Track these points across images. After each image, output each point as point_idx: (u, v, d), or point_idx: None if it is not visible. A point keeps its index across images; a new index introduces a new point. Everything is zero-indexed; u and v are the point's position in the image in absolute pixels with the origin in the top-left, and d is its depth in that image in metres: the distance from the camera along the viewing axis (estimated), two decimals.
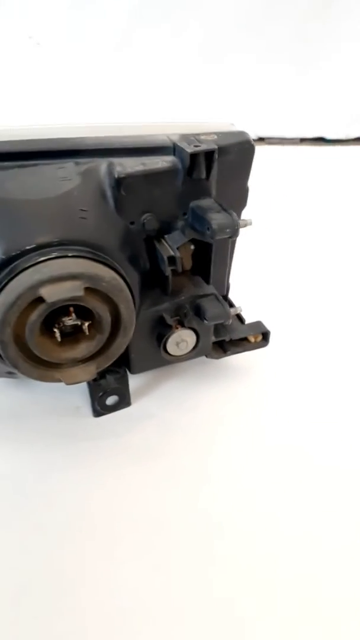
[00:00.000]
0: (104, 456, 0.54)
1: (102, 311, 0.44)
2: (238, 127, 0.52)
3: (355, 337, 0.71)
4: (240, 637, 0.41)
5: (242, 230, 0.49)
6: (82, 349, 0.46)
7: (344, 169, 1.30)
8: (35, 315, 0.41)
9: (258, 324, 0.61)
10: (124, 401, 0.58)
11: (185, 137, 0.48)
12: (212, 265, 0.53)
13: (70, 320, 0.43)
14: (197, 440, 0.57)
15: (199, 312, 0.53)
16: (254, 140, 0.51)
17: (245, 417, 0.59)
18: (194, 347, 0.56)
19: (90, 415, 0.58)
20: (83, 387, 0.58)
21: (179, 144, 0.47)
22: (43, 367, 0.46)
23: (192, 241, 0.51)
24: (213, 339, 0.58)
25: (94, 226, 0.45)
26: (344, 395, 0.62)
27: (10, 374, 0.51)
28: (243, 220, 0.49)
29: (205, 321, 0.52)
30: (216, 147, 0.47)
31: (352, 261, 0.88)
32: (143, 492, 0.51)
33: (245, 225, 0.49)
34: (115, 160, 0.47)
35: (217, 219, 0.46)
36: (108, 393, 0.56)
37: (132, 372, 0.57)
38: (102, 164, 0.47)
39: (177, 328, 0.53)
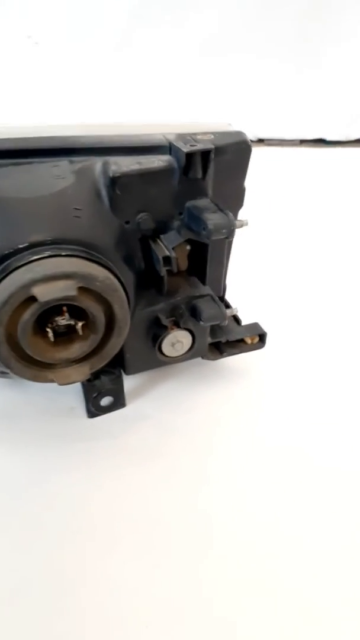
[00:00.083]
0: (100, 457, 0.54)
1: (96, 311, 0.44)
2: (235, 127, 0.51)
3: (352, 338, 0.71)
4: (239, 638, 0.41)
5: (240, 231, 0.49)
6: (76, 349, 0.45)
7: (344, 170, 1.29)
8: (28, 315, 0.41)
9: (255, 326, 0.61)
10: (119, 402, 0.57)
11: (181, 136, 0.48)
12: (208, 265, 0.52)
13: (63, 320, 0.43)
14: (194, 442, 0.56)
15: (194, 313, 0.52)
16: (254, 141, 0.51)
17: (242, 419, 0.59)
18: (190, 348, 0.55)
19: (84, 416, 0.57)
20: (77, 387, 0.57)
21: (175, 143, 0.47)
22: (36, 367, 0.46)
23: (189, 241, 0.51)
24: (209, 340, 0.58)
25: (88, 225, 0.44)
26: (340, 397, 0.62)
27: (3, 374, 0.51)
28: (239, 220, 0.49)
29: (201, 322, 0.52)
30: (213, 146, 0.46)
31: (351, 263, 0.88)
32: (141, 493, 0.51)
33: (241, 226, 0.49)
34: (111, 159, 0.46)
35: (213, 219, 0.46)
36: (102, 394, 0.55)
37: (127, 373, 0.57)
38: (97, 163, 0.46)
39: (172, 329, 0.52)
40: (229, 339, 0.59)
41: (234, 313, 0.61)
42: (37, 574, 0.44)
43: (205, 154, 0.46)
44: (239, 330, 0.60)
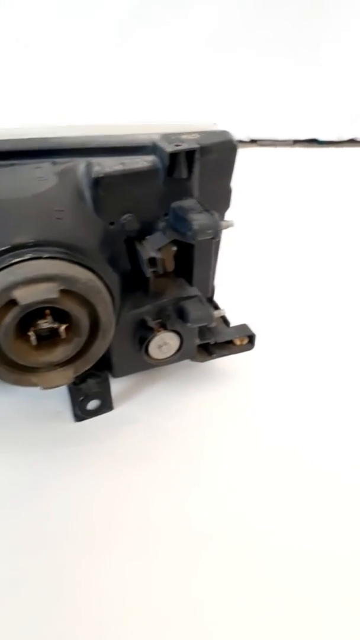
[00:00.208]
0: (88, 462, 0.53)
1: (79, 313, 0.43)
2: (221, 127, 0.51)
3: (341, 339, 0.70)
4: (234, 638, 0.41)
5: (231, 232, 0.48)
6: (59, 352, 0.45)
7: (338, 170, 1.29)
8: (9, 318, 0.40)
9: (243, 327, 0.60)
10: (106, 405, 0.57)
11: (166, 136, 0.47)
12: (194, 266, 0.52)
13: (46, 323, 0.42)
14: (184, 444, 0.56)
15: (181, 315, 0.52)
16: (247, 142, 0.50)
17: (232, 420, 0.58)
18: (178, 350, 0.55)
19: (71, 420, 0.57)
20: (63, 391, 0.56)
21: (158, 143, 0.46)
22: (19, 371, 0.45)
23: (175, 242, 0.50)
24: (198, 341, 0.57)
25: (72, 227, 0.44)
26: (330, 396, 0.61)
27: None
28: (225, 221, 0.49)
29: (188, 324, 0.51)
30: (198, 146, 0.46)
31: (343, 264, 0.88)
32: (131, 497, 0.50)
33: (227, 227, 0.49)
34: (94, 160, 0.46)
35: (198, 219, 0.45)
36: (89, 397, 0.55)
37: (115, 376, 0.56)
38: (80, 164, 0.46)
39: (159, 331, 0.52)
40: (217, 340, 0.59)
41: (222, 314, 0.60)
42: (28, 578, 0.44)
43: (189, 154, 0.46)
44: (228, 332, 0.60)
